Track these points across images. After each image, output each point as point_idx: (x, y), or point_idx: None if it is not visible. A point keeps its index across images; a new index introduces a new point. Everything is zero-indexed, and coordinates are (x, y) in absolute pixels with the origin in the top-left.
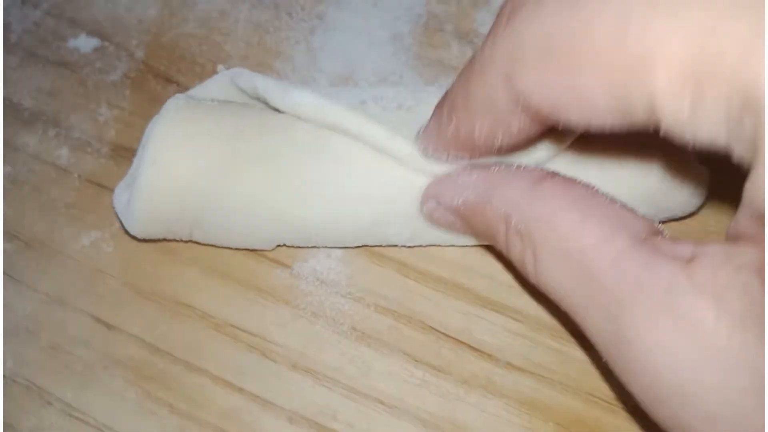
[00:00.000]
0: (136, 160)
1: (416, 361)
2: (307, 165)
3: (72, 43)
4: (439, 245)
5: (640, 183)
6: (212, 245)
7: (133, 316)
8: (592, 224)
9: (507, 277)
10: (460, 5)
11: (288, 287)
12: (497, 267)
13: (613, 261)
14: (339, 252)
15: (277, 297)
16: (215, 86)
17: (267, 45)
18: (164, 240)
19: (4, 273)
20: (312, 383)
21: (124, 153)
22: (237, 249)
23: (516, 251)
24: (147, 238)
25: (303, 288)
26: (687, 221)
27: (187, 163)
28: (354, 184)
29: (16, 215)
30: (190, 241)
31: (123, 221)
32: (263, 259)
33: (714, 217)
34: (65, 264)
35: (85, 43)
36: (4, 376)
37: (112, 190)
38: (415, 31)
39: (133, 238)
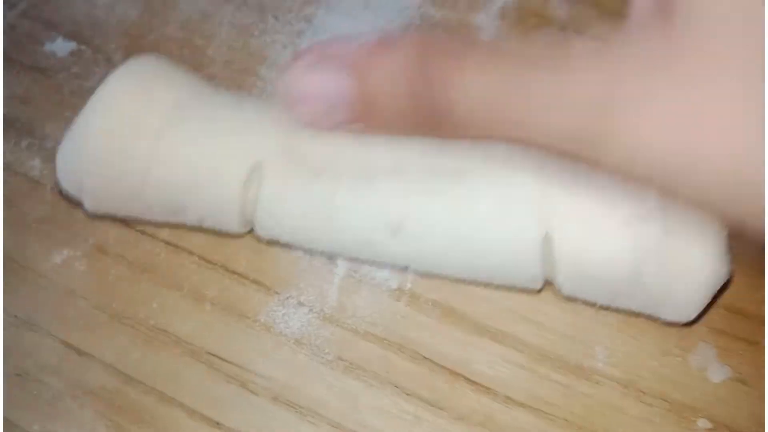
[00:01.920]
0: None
1: (408, 394)
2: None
3: (48, 46)
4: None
5: None
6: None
7: (106, 342)
8: None
9: (508, 302)
10: (457, 8)
11: (271, 312)
12: (497, 291)
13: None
14: (327, 275)
15: (258, 323)
16: None
17: (251, 49)
18: (124, 224)
19: None
20: (295, 418)
21: None
22: (206, 231)
23: None
24: (97, 202)
25: (287, 313)
26: None
27: (136, 103)
28: None
29: None
30: (152, 223)
31: (63, 177)
32: (245, 281)
33: None
34: (35, 283)
35: (61, 46)
36: None
37: None
38: None
39: (87, 213)
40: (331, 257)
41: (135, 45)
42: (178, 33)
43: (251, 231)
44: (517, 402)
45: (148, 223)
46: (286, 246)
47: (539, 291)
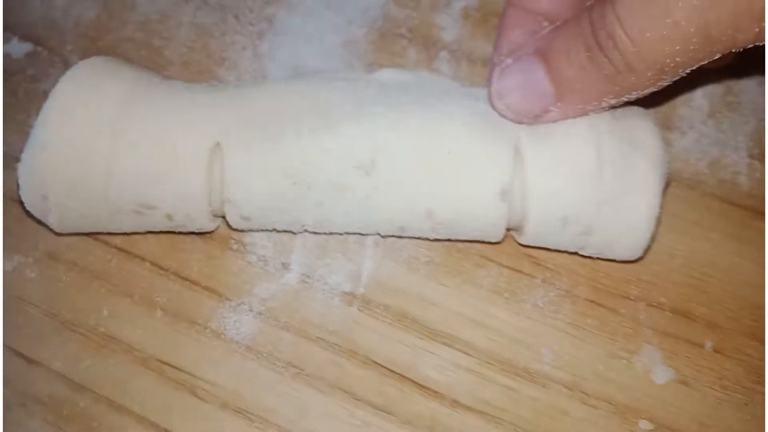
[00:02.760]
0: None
1: (357, 400)
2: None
3: (4, 48)
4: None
5: None
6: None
7: (55, 350)
8: None
9: (458, 305)
10: (419, 8)
11: (222, 319)
12: (447, 293)
13: None
14: (279, 280)
15: (209, 329)
16: None
17: (211, 50)
18: (88, 235)
19: None
20: (244, 425)
21: None
22: (173, 232)
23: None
24: (63, 216)
25: (238, 320)
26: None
27: (87, 104)
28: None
29: None
30: (118, 235)
31: (26, 194)
32: (197, 288)
33: None
34: None
35: (17, 48)
36: None
37: None
38: (370, 35)
39: (54, 233)
40: (285, 264)
41: (92, 46)
42: (136, 34)
43: (218, 227)
44: (465, 406)
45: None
46: (254, 244)
47: (501, 240)
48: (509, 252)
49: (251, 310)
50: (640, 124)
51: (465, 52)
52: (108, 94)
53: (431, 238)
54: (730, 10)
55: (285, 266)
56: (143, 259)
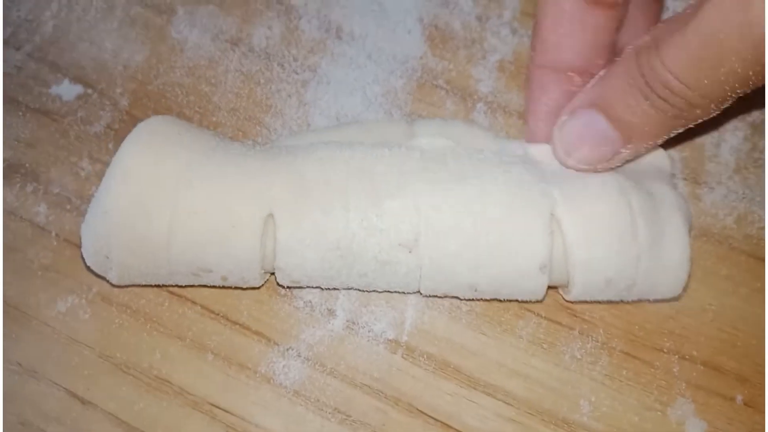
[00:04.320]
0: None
1: None
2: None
3: (54, 89)
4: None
5: None
6: (197, 277)
7: (109, 391)
8: None
9: (498, 355)
10: (456, 60)
11: (271, 363)
12: (488, 343)
13: None
14: (326, 326)
15: (258, 374)
16: None
17: (257, 97)
18: (144, 286)
19: None
20: None
21: None
22: (222, 288)
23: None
24: (123, 275)
25: (287, 365)
26: None
27: (150, 170)
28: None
29: None
30: (173, 286)
31: (88, 253)
32: (246, 332)
33: None
34: (40, 331)
35: (67, 90)
36: None
37: None
38: (409, 86)
39: (112, 285)
40: (331, 310)
41: (141, 90)
42: (184, 79)
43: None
44: None
45: None
46: (301, 289)
47: (542, 300)
48: (547, 303)
49: (299, 356)
50: (651, 175)
51: (501, 104)
52: (169, 162)
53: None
54: None
55: (331, 312)
56: (194, 302)
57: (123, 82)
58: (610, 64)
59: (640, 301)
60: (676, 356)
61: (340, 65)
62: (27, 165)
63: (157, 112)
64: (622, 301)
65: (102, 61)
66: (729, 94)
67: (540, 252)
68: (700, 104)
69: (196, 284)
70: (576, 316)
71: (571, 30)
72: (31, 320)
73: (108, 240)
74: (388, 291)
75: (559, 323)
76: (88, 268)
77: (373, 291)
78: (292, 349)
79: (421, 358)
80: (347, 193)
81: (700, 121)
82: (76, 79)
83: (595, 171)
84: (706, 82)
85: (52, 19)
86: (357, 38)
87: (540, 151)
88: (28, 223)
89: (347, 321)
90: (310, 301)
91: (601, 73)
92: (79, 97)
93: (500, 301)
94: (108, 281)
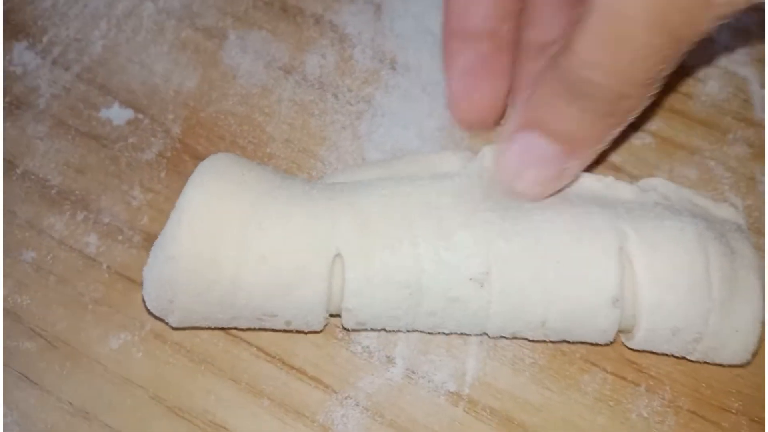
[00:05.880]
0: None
1: None
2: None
3: (104, 113)
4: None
5: None
6: (260, 319)
7: None
8: None
9: (564, 412)
10: None
11: (329, 412)
12: (553, 399)
13: None
14: (385, 374)
15: (317, 423)
16: None
17: (311, 129)
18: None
19: (23, 376)
20: None
21: None
22: (285, 332)
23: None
24: (185, 318)
25: (345, 414)
26: None
27: (216, 213)
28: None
29: (39, 309)
30: (233, 327)
31: (150, 297)
32: (303, 377)
33: None
34: (92, 369)
35: (118, 114)
36: None
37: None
38: None
39: (170, 326)
40: (390, 357)
41: (193, 117)
42: (237, 107)
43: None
44: None
45: None
46: (358, 334)
47: (611, 341)
48: (612, 357)
49: (357, 405)
50: (734, 230)
51: None
52: (234, 204)
53: (538, 340)
54: (682, 8)
55: (389, 360)
56: (249, 343)
57: (174, 108)
58: (527, 61)
59: (704, 362)
60: (745, 417)
61: (394, 97)
62: (77, 192)
63: (209, 141)
64: (684, 358)
65: (152, 85)
66: (651, 74)
67: (612, 284)
68: (626, 92)
69: (256, 327)
70: (642, 372)
71: None
72: (82, 357)
73: (173, 285)
74: (455, 333)
75: (625, 378)
76: (148, 311)
77: (439, 333)
78: (351, 398)
79: (483, 413)
80: (414, 228)
81: (636, 113)
82: (126, 103)
83: (549, 192)
84: (623, 63)
85: (101, 39)
86: (411, 69)
87: (612, 189)
88: (78, 253)
89: (406, 369)
90: (368, 347)
91: (529, 93)
92: (129, 122)
93: (566, 347)
94: (167, 323)
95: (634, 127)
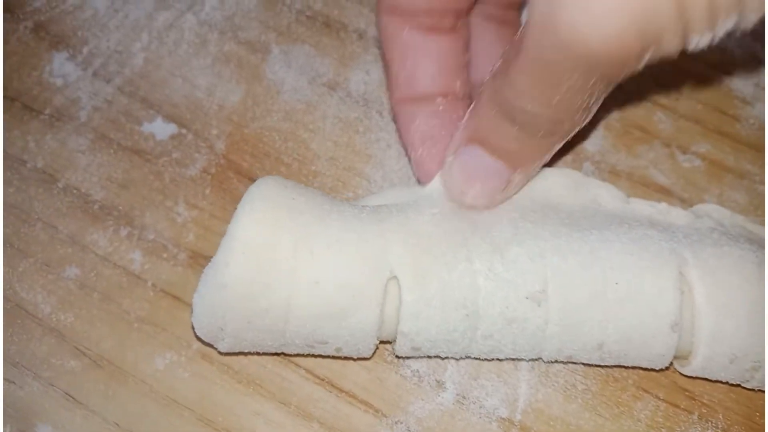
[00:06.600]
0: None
1: None
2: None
3: (147, 127)
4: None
5: None
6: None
7: None
8: None
9: None
10: None
11: None
12: (605, 426)
13: None
14: (435, 399)
15: None
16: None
17: (356, 146)
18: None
19: (68, 395)
20: None
21: (204, 262)
22: (335, 358)
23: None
24: (235, 345)
25: None
26: None
27: (267, 240)
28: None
29: (84, 327)
30: (283, 351)
31: (200, 324)
32: (353, 401)
33: None
34: (137, 389)
35: (161, 128)
36: None
37: (189, 305)
38: None
39: (219, 353)
40: (440, 382)
41: (237, 133)
42: (281, 123)
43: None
44: None
45: None
46: (409, 359)
47: (667, 367)
48: (665, 384)
49: (408, 430)
50: None
51: (609, 164)
52: (286, 231)
53: (592, 364)
54: (608, 54)
55: (440, 384)
56: (298, 365)
57: (218, 124)
58: (475, 92)
59: (759, 389)
60: None
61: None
62: (120, 208)
63: (254, 158)
64: (740, 386)
65: (196, 100)
66: (585, 104)
67: (671, 308)
68: (562, 119)
69: (305, 354)
70: (695, 399)
71: (418, 60)
72: (128, 377)
73: (225, 313)
74: (509, 358)
75: (678, 406)
76: (198, 337)
77: (494, 359)
78: (401, 423)
79: None
80: (468, 245)
81: (576, 131)
82: (169, 117)
83: (497, 203)
84: (557, 99)
85: (142, 51)
86: None
87: (666, 215)
88: (123, 270)
89: (457, 395)
90: (418, 371)
91: (471, 109)
92: (173, 137)
93: (618, 374)
94: (216, 349)
95: (683, 150)
